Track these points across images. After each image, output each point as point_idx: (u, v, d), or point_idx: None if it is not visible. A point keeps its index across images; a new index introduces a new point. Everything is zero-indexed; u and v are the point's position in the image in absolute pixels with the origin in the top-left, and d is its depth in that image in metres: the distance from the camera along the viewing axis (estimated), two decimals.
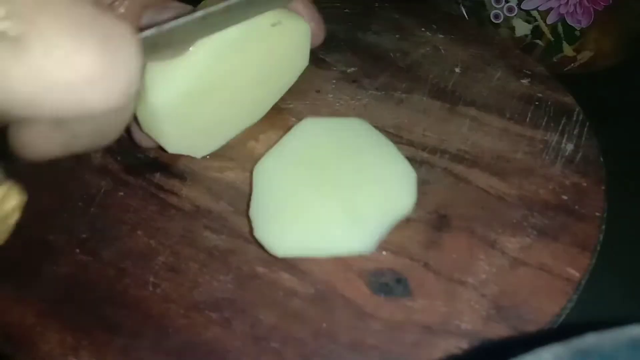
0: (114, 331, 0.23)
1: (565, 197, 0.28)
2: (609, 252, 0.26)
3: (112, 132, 0.18)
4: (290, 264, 0.25)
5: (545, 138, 0.31)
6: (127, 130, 0.27)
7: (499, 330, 0.23)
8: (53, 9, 0.13)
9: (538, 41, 0.44)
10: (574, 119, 0.32)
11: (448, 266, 0.25)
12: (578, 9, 0.42)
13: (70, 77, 0.14)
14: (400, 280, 0.24)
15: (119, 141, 0.30)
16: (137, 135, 0.27)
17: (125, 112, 0.17)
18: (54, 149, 0.17)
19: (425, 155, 0.30)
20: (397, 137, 0.31)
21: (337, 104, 0.32)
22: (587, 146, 0.31)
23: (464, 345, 0.22)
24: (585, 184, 0.29)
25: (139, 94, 0.17)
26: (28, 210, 0.27)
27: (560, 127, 0.32)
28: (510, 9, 0.43)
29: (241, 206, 0.27)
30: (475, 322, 0.23)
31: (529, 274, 0.25)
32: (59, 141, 0.17)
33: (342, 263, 0.25)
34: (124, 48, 0.15)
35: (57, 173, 0.29)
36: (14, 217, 0.16)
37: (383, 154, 0.28)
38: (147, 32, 0.20)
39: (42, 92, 0.13)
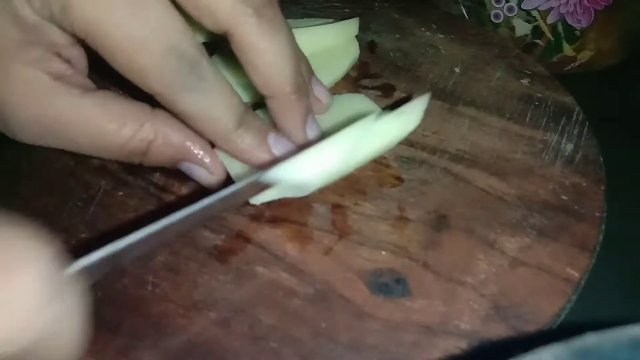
0: (113, 331, 0.23)
1: (564, 197, 0.28)
2: (609, 252, 0.26)
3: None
4: (290, 264, 0.25)
5: (545, 138, 0.31)
6: None
7: (499, 330, 0.23)
8: None
9: (538, 41, 0.44)
10: (574, 119, 0.32)
11: (447, 266, 0.25)
12: (578, 9, 0.42)
13: None
14: (399, 280, 0.24)
15: None
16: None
17: (61, 339, 0.15)
18: None
19: (424, 155, 0.30)
20: None
21: None
22: (587, 146, 0.31)
23: (463, 345, 0.22)
24: (585, 184, 0.29)
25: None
26: (27, 210, 0.27)
27: (560, 127, 0.32)
28: (510, 9, 0.43)
29: (241, 206, 0.27)
30: (474, 322, 0.23)
31: (529, 274, 0.25)
32: None
33: (341, 263, 0.25)
34: (23, 279, 0.13)
35: (57, 173, 0.29)
36: None
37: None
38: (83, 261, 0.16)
39: None
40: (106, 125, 0.24)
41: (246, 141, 0.25)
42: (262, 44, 0.24)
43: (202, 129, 0.25)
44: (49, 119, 0.24)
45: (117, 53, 0.22)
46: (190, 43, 0.23)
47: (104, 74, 0.25)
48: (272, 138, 0.26)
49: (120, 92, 0.27)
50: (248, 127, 0.25)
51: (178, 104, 0.24)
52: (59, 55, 0.25)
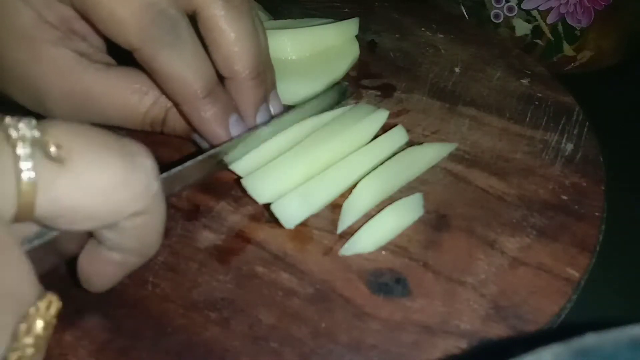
0: (113, 331, 0.23)
1: (564, 197, 0.28)
2: (609, 252, 0.26)
3: (152, 239, 0.20)
4: (290, 264, 0.25)
5: (545, 138, 0.31)
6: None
7: (499, 330, 0.23)
8: (86, 137, 0.17)
9: (538, 41, 0.44)
10: (574, 118, 0.32)
11: (447, 266, 0.25)
12: (578, 9, 0.42)
13: (100, 183, 0.17)
14: (399, 280, 0.24)
15: None
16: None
17: (155, 216, 0.19)
18: (112, 271, 0.20)
19: None
20: None
21: None
22: (587, 146, 0.31)
23: (463, 345, 0.22)
24: (585, 184, 0.29)
25: (161, 200, 0.20)
26: None
27: (560, 127, 0.32)
28: (510, 9, 0.43)
29: (241, 206, 0.27)
30: (474, 322, 0.23)
31: (529, 274, 0.25)
32: (115, 260, 0.20)
33: (341, 263, 0.25)
34: (141, 161, 0.18)
35: None
36: (53, 325, 0.17)
37: None
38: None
39: (81, 198, 0.17)
40: (130, 96, 0.26)
41: (210, 112, 0.26)
42: (226, 25, 0.25)
43: (172, 90, 0.25)
44: (79, 93, 0.26)
45: (99, 8, 0.24)
46: (170, 3, 0.24)
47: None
48: (234, 118, 0.27)
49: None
50: (215, 99, 0.26)
51: (155, 60, 0.24)
52: (76, 33, 0.26)
